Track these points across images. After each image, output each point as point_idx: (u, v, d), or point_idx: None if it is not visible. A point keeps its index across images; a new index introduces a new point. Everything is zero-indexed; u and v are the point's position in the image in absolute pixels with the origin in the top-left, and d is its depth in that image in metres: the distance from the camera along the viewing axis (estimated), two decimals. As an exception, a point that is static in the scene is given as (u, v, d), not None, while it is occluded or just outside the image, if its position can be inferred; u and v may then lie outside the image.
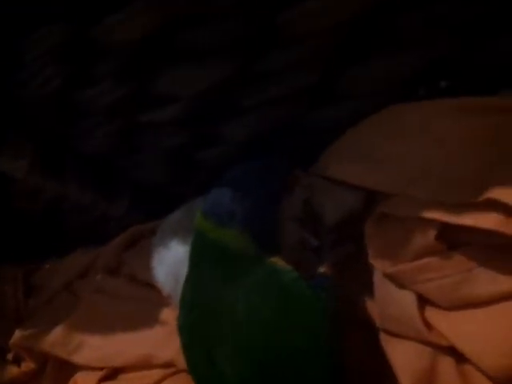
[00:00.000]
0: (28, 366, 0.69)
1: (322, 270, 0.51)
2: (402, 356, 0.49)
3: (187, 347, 0.48)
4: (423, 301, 0.48)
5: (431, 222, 0.45)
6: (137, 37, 0.40)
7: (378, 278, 0.50)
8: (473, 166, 0.44)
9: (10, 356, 0.72)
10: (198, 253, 0.48)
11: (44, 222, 0.63)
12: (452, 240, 0.46)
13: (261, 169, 0.50)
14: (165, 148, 0.52)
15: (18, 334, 0.68)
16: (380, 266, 0.48)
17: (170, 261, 0.53)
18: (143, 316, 0.62)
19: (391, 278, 0.48)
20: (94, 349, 0.63)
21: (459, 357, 0.46)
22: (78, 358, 0.63)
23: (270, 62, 0.44)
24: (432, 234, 0.45)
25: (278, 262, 0.47)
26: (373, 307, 0.51)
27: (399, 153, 0.49)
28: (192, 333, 0.48)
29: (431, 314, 0.47)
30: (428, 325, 0.47)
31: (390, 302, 0.49)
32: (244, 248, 0.47)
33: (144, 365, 0.60)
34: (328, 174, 0.52)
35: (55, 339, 0.65)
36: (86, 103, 0.46)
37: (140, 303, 0.63)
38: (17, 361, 0.72)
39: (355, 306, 0.53)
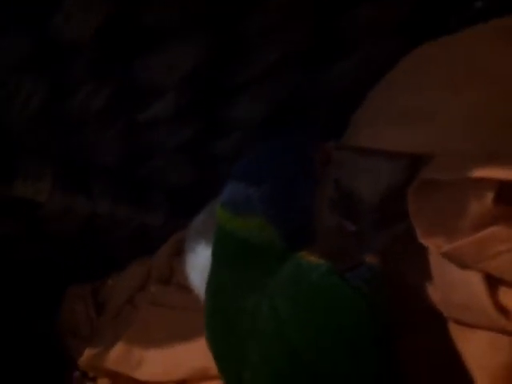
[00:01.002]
0: (103, 382, 0.69)
1: (366, 257, 0.43)
2: (476, 350, 0.40)
3: (216, 358, 0.43)
4: (493, 281, 0.38)
5: (486, 183, 0.36)
6: (91, 29, 0.36)
7: (434, 260, 0.41)
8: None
9: (90, 374, 0.73)
10: (218, 249, 0.43)
11: (84, 240, 0.62)
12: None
13: (276, 149, 0.43)
14: (176, 146, 0.47)
15: (86, 352, 0.68)
16: (433, 246, 0.40)
17: (201, 265, 0.49)
18: (196, 326, 0.58)
19: (449, 257, 0.39)
20: (154, 364, 0.61)
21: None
22: (141, 374, 0.61)
23: (251, 27, 0.38)
24: (489, 197, 0.36)
25: (305, 255, 0.40)
26: (436, 294, 0.43)
27: (440, 102, 0.39)
28: (216, 344, 0.43)
29: (506, 296, 0.38)
30: (503, 310, 0.38)
31: (452, 286, 0.40)
32: (266, 239, 0.40)
33: (202, 377, 0.57)
34: (358, 143, 0.44)
35: (117, 356, 0.64)
36: (77, 111, 0.43)
37: (192, 312, 0.59)
38: (94, 378, 0.72)
39: (415, 295, 0.44)
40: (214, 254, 0.43)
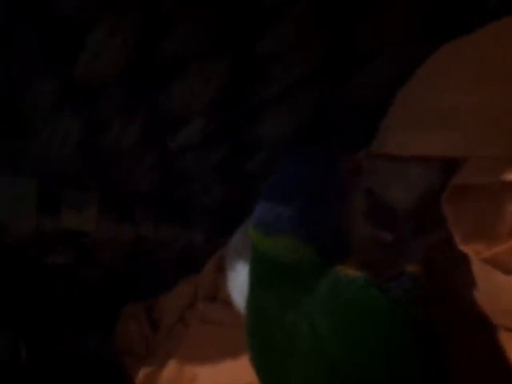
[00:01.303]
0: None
1: (406, 267, 0.42)
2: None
3: (258, 376, 0.43)
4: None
5: (522, 185, 0.34)
6: (117, 65, 0.37)
7: (476, 266, 0.40)
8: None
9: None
10: (254, 269, 0.43)
11: (132, 263, 0.64)
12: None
13: (302, 164, 0.43)
14: (208, 168, 0.48)
15: (142, 371, 0.69)
16: (473, 252, 0.38)
17: (240, 283, 0.49)
18: (242, 342, 0.59)
19: (490, 263, 0.38)
20: (206, 381, 0.61)
21: None
22: (194, 393, 0.62)
23: (268, 46, 0.38)
24: (526, 199, 0.34)
25: (343, 269, 0.40)
26: (482, 301, 0.41)
27: (466, 104, 0.38)
28: (258, 362, 0.43)
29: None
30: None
31: (498, 292, 0.39)
32: (299, 258, 0.40)
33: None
34: (388, 150, 0.43)
35: (171, 374, 0.65)
36: (113, 145, 0.45)
37: (238, 328, 0.60)
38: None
39: (461, 303, 0.43)
40: (251, 274, 0.44)
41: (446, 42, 0.39)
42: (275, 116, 0.43)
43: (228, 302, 0.62)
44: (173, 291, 0.73)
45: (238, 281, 0.51)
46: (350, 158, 0.44)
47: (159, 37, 0.37)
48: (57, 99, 0.40)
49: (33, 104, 0.40)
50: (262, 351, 0.43)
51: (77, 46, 0.37)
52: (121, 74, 0.39)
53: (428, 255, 0.43)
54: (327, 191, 0.42)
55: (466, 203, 0.38)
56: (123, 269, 0.65)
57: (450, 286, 0.43)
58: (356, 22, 0.39)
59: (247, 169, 0.50)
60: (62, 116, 0.42)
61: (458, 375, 0.41)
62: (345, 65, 0.41)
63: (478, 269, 0.39)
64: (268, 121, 0.44)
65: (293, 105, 0.42)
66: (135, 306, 0.79)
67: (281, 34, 0.38)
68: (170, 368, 0.65)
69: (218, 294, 0.65)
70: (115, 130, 0.44)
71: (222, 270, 0.64)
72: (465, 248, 0.38)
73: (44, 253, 0.57)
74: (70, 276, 0.65)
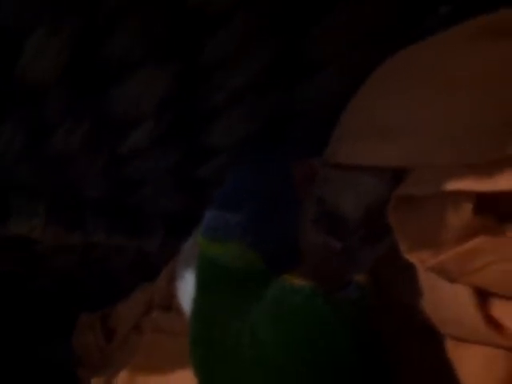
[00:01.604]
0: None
1: (354, 276, 0.42)
2: (472, 366, 0.38)
3: None
4: (483, 294, 0.37)
5: (464, 195, 0.35)
6: (57, 68, 0.36)
7: (422, 275, 0.40)
8: (501, 110, 0.33)
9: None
10: (200, 276, 0.43)
11: (85, 271, 0.63)
12: (499, 208, 0.35)
13: (254, 172, 0.43)
14: (161, 173, 0.47)
15: (93, 382, 0.67)
16: (418, 261, 0.38)
17: (189, 292, 0.48)
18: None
19: (435, 272, 0.38)
20: (157, 392, 0.60)
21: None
22: (145, 403, 0.61)
23: (217, 50, 0.38)
24: (468, 208, 0.34)
25: (289, 278, 0.39)
26: (428, 310, 0.41)
27: (417, 113, 0.38)
28: (201, 373, 0.42)
29: (498, 309, 0.37)
30: (495, 324, 0.36)
31: (443, 302, 0.39)
32: (247, 265, 0.40)
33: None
34: (339, 159, 0.43)
35: (122, 385, 0.63)
36: (58, 150, 0.44)
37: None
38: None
39: (409, 313, 0.43)
40: (197, 281, 0.43)
41: (397, 50, 0.39)
42: (227, 122, 0.43)
43: (182, 311, 0.61)
44: (128, 300, 0.71)
45: (187, 289, 0.50)
46: (303, 164, 0.44)
47: (102, 38, 0.36)
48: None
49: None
50: (205, 361, 0.42)
51: (16, 49, 0.36)
52: (63, 76, 0.38)
53: (375, 264, 0.43)
54: (278, 199, 0.42)
55: (410, 212, 0.38)
56: (76, 277, 0.63)
57: (396, 295, 0.43)
58: (305, 29, 0.39)
59: (201, 175, 0.49)
60: (3, 122, 0.41)
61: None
62: (295, 72, 0.40)
63: (424, 278, 0.40)
64: (220, 127, 0.43)
65: (244, 111, 0.42)
66: (91, 315, 0.77)
67: (226, 39, 0.37)
68: (122, 378, 0.63)
69: (172, 303, 0.64)
70: (60, 135, 0.43)
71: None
72: (410, 257, 0.39)
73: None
74: (21, 285, 0.63)
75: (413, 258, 0.38)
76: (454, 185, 0.33)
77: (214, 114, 0.42)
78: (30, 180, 0.48)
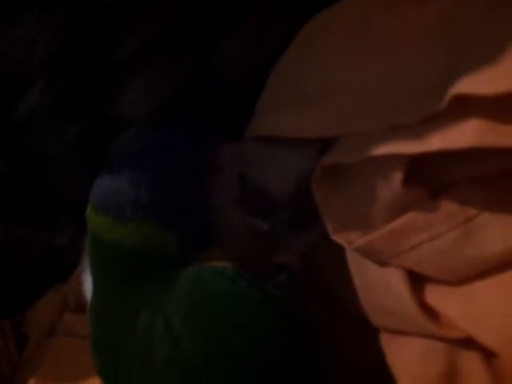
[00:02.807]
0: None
1: (282, 259, 0.38)
2: (409, 360, 0.34)
3: None
4: (416, 278, 0.33)
5: (392, 162, 0.30)
6: None
7: (350, 257, 0.36)
8: (430, 71, 0.29)
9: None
10: (99, 265, 0.36)
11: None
12: (431, 182, 0.31)
13: (168, 139, 0.37)
14: (65, 149, 0.41)
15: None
16: (346, 241, 0.34)
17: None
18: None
19: (364, 253, 0.34)
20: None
21: (485, 351, 0.31)
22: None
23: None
24: (397, 178, 0.30)
25: (208, 261, 0.34)
26: (358, 298, 0.37)
27: (338, 78, 0.34)
28: (106, 377, 0.36)
29: (432, 295, 0.33)
30: (430, 312, 0.32)
31: (372, 288, 0.35)
32: (157, 248, 0.34)
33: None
34: (261, 132, 0.38)
35: (29, 397, 0.56)
36: None
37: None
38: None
39: (340, 301, 0.38)
40: (94, 272, 0.37)
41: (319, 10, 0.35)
42: (134, 88, 0.37)
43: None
44: (40, 302, 0.64)
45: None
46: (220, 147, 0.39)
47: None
48: None
49: None
50: (109, 366, 0.36)
51: None
52: None
53: (307, 247, 0.39)
54: (192, 175, 0.37)
55: (336, 188, 0.34)
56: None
57: (327, 281, 0.39)
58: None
59: (110, 151, 0.43)
60: None
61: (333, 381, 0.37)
62: (212, 30, 0.35)
63: (352, 261, 0.35)
64: (126, 94, 0.37)
65: (154, 76, 0.36)
66: (2, 320, 0.70)
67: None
68: (30, 388, 0.56)
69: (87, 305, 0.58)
70: None
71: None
72: (337, 237, 0.34)
73: None
74: None
75: (339, 238, 0.34)
76: (382, 149, 0.29)
77: (117, 78, 0.36)
78: None
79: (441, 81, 0.28)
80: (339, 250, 0.36)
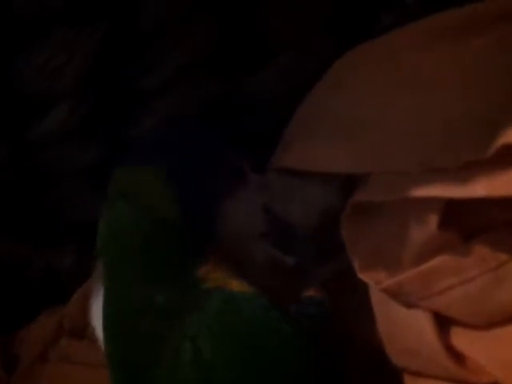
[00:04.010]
0: None
1: (308, 293, 0.37)
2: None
3: None
4: (444, 321, 0.32)
5: (429, 204, 0.30)
6: None
7: (376, 297, 0.35)
8: (468, 110, 0.29)
9: None
10: (111, 264, 0.36)
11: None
12: (465, 225, 0.31)
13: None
14: (79, 170, 0.40)
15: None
16: (373, 281, 0.34)
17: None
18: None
19: (391, 294, 0.33)
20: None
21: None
22: None
23: (149, 20, 0.32)
24: (433, 221, 0.30)
25: (235, 286, 0.33)
26: (381, 338, 0.36)
27: (374, 113, 0.34)
28: None
29: (458, 338, 0.32)
30: (456, 355, 0.32)
31: (398, 328, 0.34)
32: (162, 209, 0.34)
33: None
34: (287, 164, 0.38)
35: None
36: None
37: (105, 369, 0.51)
38: None
39: (361, 340, 0.38)
40: (108, 273, 0.36)
41: (356, 44, 0.35)
42: (157, 113, 0.37)
43: (96, 339, 0.53)
44: (34, 324, 0.62)
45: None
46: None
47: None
48: None
49: None
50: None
51: None
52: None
53: (329, 283, 0.38)
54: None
55: (365, 225, 0.34)
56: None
57: (350, 318, 0.38)
58: (257, 13, 0.34)
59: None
60: None
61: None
62: (245, 58, 0.35)
63: (378, 301, 0.35)
64: (149, 118, 0.37)
65: (180, 101, 0.36)
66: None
67: (166, 3, 0.31)
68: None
69: (86, 331, 0.56)
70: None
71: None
72: (364, 276, 0.34)
73: None
74: None
75: (367, 277, 0.34)
76: (421, 191, 0.29)
77: (143, 101, 0.36)
78: None
79: (480, 123, 0.28)
80: (361, 289, 0.36)
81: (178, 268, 0.35)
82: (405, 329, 0.34)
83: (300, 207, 0.38)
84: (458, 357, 0.32)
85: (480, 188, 0.27)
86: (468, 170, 0.28)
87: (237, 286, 0.34)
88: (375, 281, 0.33)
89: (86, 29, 0.32)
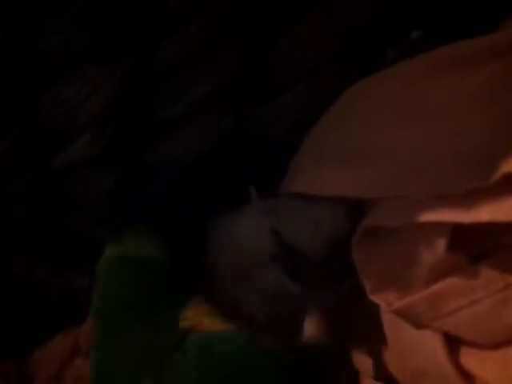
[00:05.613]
0: None
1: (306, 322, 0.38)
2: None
3: None
4: (454, 341, 0.33)
5: (437, 228, 0.32)
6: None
7: (386, 318, 0.36)
8: (475, 138, 0.31)
9: None
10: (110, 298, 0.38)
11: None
12: (472, 247, 0.32)
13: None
14: (99, 196, 0.42)
15: None
16: (384, 302, 0.35)
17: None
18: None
19: (402, 315, 0.34)
20: None
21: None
22: None
23: (171, 54, 0.34)
24: (441, 244, 0.31)
25: (210, 324, 0.34)
26: (391, 361, 0.37)
27: (383, 141, 0.36)
28: None
29: (468, 358, 0.33)
30: (467, 375, 0.33)
31: (408, 350, 0.35)
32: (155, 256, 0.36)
33: None
34: (297, 189, 0.39)
35: None
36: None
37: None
38: None
39: (371, 361, 0.39)
40: (98, 312, 0.38)
41: (365, 75, 0.37)
42: (175, 139, 0.38)
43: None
44: (49, 344, 0.63)
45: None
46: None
47: (37, 30, 0.31)
48: None
49: None
50: None
51: None
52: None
53: (336, 307, 0.39)
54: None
55: (378, 248, 0.35)
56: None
57: (358, 340, 0.39)
58: (273, 43, 0.36)
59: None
60: None
61: None
62: (259, 89, 0.37)
63: (388, 322, 0.36)
64: (170, 145, 0.39)
65: (198, 129, 0.38)
66: (4, 362, 0.68)
67: (188, 40, 0.33)
68: None
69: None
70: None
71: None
72: (375, 297, 0.35)
73: None
74: None
75: (378, 299, 0.35)
76: (428, 216, 0.30)
77: (163, 130, 0.38)
78: None
79: (487, 150, 0.30)
80: (370, 311, 0.37)
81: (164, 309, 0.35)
82: (415, 349, 0.34)
83: (308, 230, 0.39)
84: (467, 376, 0.33)
85: (485, 213, 0.28)
86: (473, 196, 0.29)
87: (214, 324, 0.34)
88: (386, 302, 0.34)
89: (110, 63, 0.33)
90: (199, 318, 0.35)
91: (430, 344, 0.34)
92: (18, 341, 0.61)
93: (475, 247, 0.32)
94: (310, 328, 0.36)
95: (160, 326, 0.35)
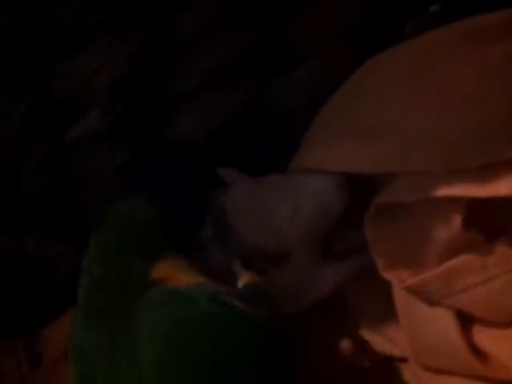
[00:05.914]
0: None
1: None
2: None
3: None
4: (466, 319, 0.33)
5: (453, 204, 0.31)
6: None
7: (398, 296, 0.36)
8: (498, 110, 0.30)
9: None
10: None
11: (10, 284, 0.55)
12: (488, 224, 0.32)
13: None
14: (111, 172, 0.42)
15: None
16: (396, 279, 0.34)
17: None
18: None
19: (414, 292, 0.34)
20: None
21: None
22: None
23: (185, 26, 0.33)
24: (457, 220, 0.31)
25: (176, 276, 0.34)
26: (402, 336, 0.37)
27: (398, 115, 0.35)
28: None
29: (481, 336, 0.33)
30: (479, 352, 0.32)
31: (420, 326, 0.35)
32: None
33: None
34: (308, 165, 0.39)
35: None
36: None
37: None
38: None
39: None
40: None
41: (379, 50, 0.36)
42: (191, 114, 0.38)
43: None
44: (58, 321, 0.64)
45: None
46: None
47: (50, 2, 0.31)
48: None
49: None
50: None
51: None
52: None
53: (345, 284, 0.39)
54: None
55: (389, 226, 0.34)
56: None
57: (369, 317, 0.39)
58: (285, 18, 0.35)
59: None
60: None
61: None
62: (274, 63, 0.36)
63: (400, 299, 0.36)
64: (183, 119, 0.38)
65: (212, 103, 0.37)
66: (13, 340, 0.69)
67: (201, 14, 0.33)
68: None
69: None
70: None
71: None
72: (388, 274, 0.35)
73: None
74: None
75: (390, 275, 0.35)
76: (444, 191, 0.30)
77: (176, 104, 0.37)
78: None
79: (504, 124, 0.29)
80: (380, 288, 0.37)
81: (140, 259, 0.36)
82: (428, 327, 0.34)
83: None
84: (480, 354, 0.32)
85: (502, 187, 0.28)
86: (490, 170, 0.28)
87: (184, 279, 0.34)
88: (399, 279, 0.34)
89: (123, 35, 0.33)
90: (175, 272, 0.35)
91: (443, 322, 0.33)
92: (26, 319, 0.62)
93: (490, 224, 0.32)
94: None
95: (132, 274, 0.35)
